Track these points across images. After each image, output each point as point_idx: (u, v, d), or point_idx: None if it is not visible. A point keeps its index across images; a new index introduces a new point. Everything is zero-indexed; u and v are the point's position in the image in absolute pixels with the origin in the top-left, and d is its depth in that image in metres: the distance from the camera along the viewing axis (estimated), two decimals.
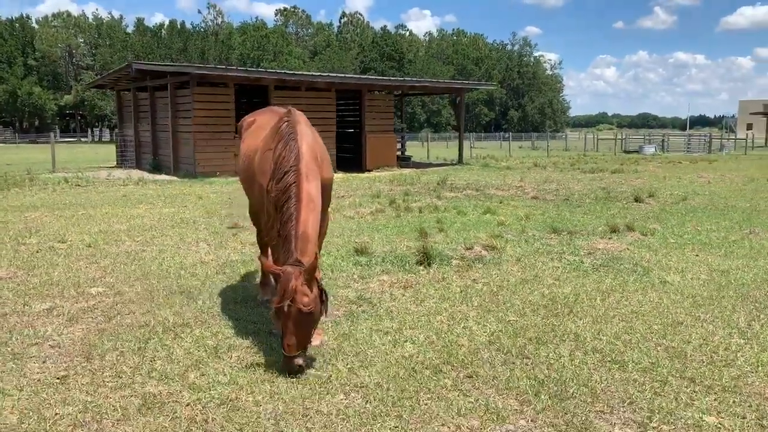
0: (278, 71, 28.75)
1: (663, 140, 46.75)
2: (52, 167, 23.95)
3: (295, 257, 4.40)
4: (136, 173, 22.83)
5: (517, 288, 6.56)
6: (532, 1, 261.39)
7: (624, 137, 50.27)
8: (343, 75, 32.64)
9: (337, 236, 9.53)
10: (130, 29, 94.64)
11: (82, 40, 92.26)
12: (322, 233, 5.25)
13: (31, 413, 3.80)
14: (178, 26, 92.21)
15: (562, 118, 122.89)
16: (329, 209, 5.53)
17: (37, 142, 71.03)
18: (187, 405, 3.92)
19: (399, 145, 29.15)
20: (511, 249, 8.62)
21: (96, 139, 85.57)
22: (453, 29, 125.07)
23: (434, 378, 4.28)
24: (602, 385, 4.13)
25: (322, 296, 4.44)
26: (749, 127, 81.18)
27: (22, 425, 3.66)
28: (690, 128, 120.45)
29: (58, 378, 4.34)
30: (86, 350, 4.88)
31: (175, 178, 21.42)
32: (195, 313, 5.84)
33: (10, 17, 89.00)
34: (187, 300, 6.27)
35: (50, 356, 4.75)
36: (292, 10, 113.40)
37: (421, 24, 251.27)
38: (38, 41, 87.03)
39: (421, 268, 7.48)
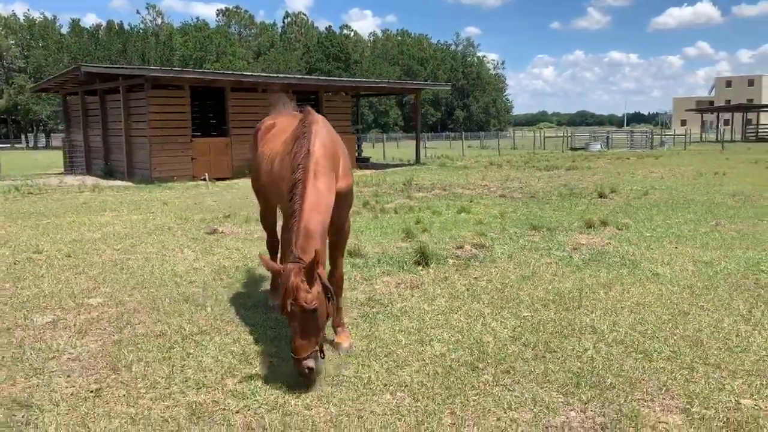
0: (234, 72, 28.36)
1: (607, 137, 48.35)
2: None
3: (295, 255, 4.27)
4: (89, 179, 22.10)
5: (520, 284, 6.74)
6: (471, 2, 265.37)
7: (570, 135, 51.69)
8: (300, 77, 32.44)
9: None
10: (64, 30, 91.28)
11: (12, 42, 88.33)
12: (343, 237, 5.25)
13: (78, 428, 3.70)
14: (116, 27, 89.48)
15: (506, 117, 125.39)
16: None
17: None
18: (237, 412, 3.90)
19: (356, 147, 29.21)
20: (499, 246, 8.82)
21: (31, 144, 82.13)
22: (397, 30, 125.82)
23: (473, 375, 4.38)
24: (636, 374, 4.32)
25: (327, 294, 4.29)
26: (683, 123, 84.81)
27: None
28: (627, 125, 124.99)
29: (91, 391, 4.23)
30: (110, 362, 4.76)
31: (130, 183, 20.85)
32: (208, 321, 5.77)
33: None
34: (195, 308, 6.18)
35: (74, 369, 4.62)
36: (235, 10, 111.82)
37: (363, 24, 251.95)
38: None
39: (420, 268, 7.58)
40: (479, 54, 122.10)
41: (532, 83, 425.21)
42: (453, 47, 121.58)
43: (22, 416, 3.86)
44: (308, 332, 4.14)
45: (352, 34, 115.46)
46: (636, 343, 4.91)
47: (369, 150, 45.12)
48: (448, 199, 14.85)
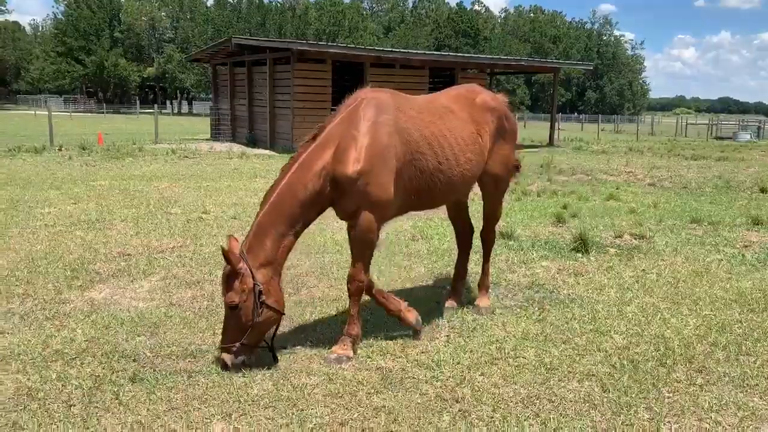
0: (376, 48, 28.80)
1: (759, 127, 44.39)
2: (155, 138, 24.84)
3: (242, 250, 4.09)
4: (236, 147, 23.41)
5: (694, 281, 6.40)
6: None
7: (717, 123, 48.01)
8: (438, 53, 32.39)
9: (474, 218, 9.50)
10: (209, 3, 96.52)
11: (164, 14, 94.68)
12: (357, 234, 4.36)
13: (282, 382, 3.98)
14: (257, 1, 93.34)
15: (641, 101, 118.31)
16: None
17: (120, 113, 73.90)
18: (427, 382, 4.02)
19: None
20: (661, 238, 8.41)
21: (175, 111, 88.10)
22: (530, 5, 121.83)
23: (663, 371, 4.23)
24: None
25: (259, 296, 4.01)
26: None
27: (277, 393, 3.83)
28: None
29: (284, 347, 4.52)
30: (294, 322, 5.07)
31: (273, 152, 21.85)
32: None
33: None
34: None
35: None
36: None
37: (494, 0, 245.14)
38: (124, 14, 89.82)
39: (580, 255, 7.39)
40: (616, 33, 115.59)
41: (670, 65, 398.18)
42: (588, 25, 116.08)
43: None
44: (227, 326, 4.10)
45: (483, 10, 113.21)
46: None
47: None
48: (592, 185, 14.34)
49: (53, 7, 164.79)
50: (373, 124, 4.29)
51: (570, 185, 14.22)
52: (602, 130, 50.38)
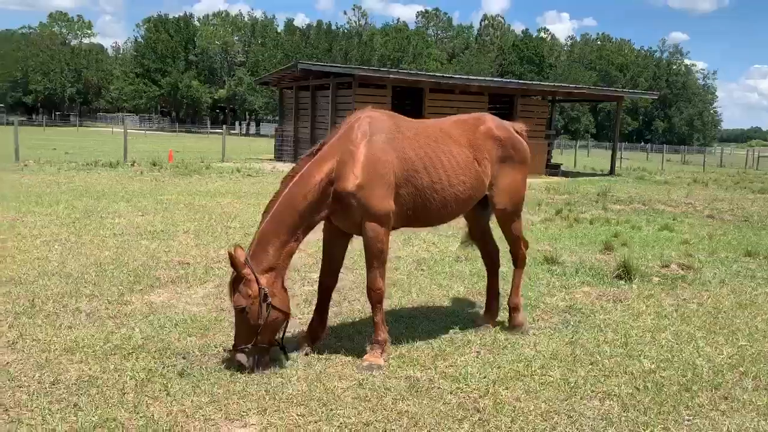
0: (435, 74, 29.23)
1: None
2: (222, 157, 25.92)
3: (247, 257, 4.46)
4: None
5: (735, 312, 6.36)
6: (680, 6, 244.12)
7: None
8: (498, 79, 32.65)
9: None
10: (280, 29, 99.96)
11: (237, 38, 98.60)
12: (368, 249, 4.68)
13: (314, 383, 4.26)
14: (325, 27, 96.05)
15: (712, 131, 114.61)
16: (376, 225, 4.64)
17: (191, 132, 77.01)
18: (451, 393, 4.22)
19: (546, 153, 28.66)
20: (710, 270, 8.32)
21: (244, 131, 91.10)
22: (597, 34, 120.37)
23: (687, 395, 4.30)
24: None
25: (265, 298, 4.34)
26: None
27: (310, 394, 4.11)
28: None
29: (320, 355, 4.81)
30: (333, 331, 5.36)
31: None
32: (413, 306, 6.21)
33: (176, 16, 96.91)
34: (402, 293, 6.67)
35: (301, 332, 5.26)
36: (434, 12, 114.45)
37: (559, 27, 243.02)
38: (199, 38, 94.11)
39: (622, 282, 7.42)
40: (687, 62, 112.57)
41: (745, 96, 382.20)
42: (657, 53, 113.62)
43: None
44: (238, 329, 4.43)
45: (549, 37, 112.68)
46: None
47: (557, 157, 43.92)
48: (648, 215, 14.16)
49: (134, 30, 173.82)
50: (369, 141, 4.59)
51: (625, 214, 14.08)
52: (668, 160, 49.15)
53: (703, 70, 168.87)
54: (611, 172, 28.69)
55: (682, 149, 66.25)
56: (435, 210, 4.96)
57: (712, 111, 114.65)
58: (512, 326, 5.57)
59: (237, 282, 4.38)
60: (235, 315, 4.47)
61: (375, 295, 4.75)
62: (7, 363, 4.40)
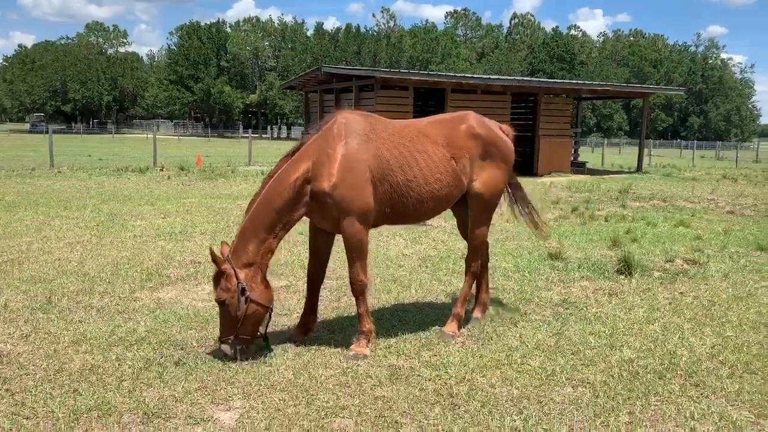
0: (456, 75, 29.31)
1: None
2: (248, 161, 26.46)
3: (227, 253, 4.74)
4: None
5: (730, 304, 6.41)
6: None
7: None
8: (519, 78, 32.54)
9: (526, 239, 9.74)
10: (310, 33, 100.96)
11: (267, 43, 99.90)
12: (349, 248, 4.91)
13: (301, 371, 4.51)
14: (353, 30, 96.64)
15: (750, 126, 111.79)
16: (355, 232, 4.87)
17: (224, 137, 78.34)
18: (429, 380, 4.42)
19: (571, 151, 28.51)
20: (715, 264, 8.32)
21: (274, 135, 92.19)
22: (630, 29, 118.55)
23: (659, 383, 4.42)
24: None
25: (243, 292, 4.57)
26: None
27: (294, 381, 4.36)
28: None
29: (313, 345, 5.05)
30: (328, 325, 5.61)
31: None
32: (411, 301, 6.42)
33: (208, 23, 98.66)
34: (401, 288, 6.88)
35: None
36: (463, 12, 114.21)
37: (592, 24, 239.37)
38: (230, 44, 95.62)
39: (622, 277, 7.50)
40: (723, 56, 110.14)
41: None
42: (692, 48, 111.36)
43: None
44: (221, 320, 4.72)
45: (580, 34, 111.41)
46: None
47: (588, 155, 43.57)
48: (666, 211, 14.08)
49: (168, 38, 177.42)
50: (345, 142, 4.80)
51: (642, 211, 14.03)
52: (702, 157, 48.24)
53: (740, 63, 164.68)
54: (638, 169, 28.37)
55: (717, 145, 64.82)
56: (412, 207, 5.13)
57: (750, 105, 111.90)
58: (441, 332, 5.40)
59: (218, 277, 4.66)
60: (219, 308, 4.75)
61: (357, 287, 4.96)
62: (19, 354, 4.75)
